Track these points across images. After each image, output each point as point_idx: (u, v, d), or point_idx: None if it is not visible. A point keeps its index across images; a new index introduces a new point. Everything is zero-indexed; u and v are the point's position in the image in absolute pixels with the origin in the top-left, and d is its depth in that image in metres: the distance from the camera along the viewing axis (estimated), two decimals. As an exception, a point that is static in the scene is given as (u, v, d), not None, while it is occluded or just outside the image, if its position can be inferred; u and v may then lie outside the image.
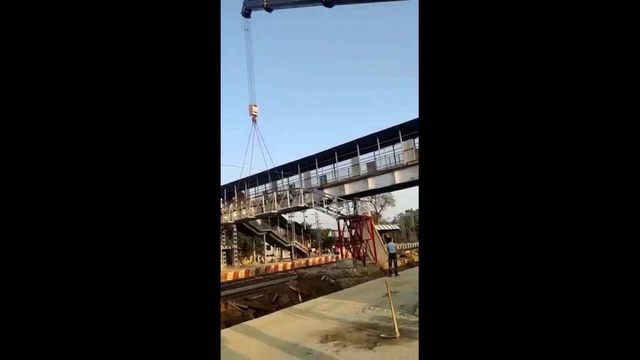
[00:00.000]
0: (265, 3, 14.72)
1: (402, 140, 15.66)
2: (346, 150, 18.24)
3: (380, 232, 21.32)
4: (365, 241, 15.55)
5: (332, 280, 12.10)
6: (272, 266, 22.07)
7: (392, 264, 10.22)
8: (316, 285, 11.70)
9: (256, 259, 31.16)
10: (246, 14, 16.65)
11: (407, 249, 27.27)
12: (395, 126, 15.71)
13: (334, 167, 19.30)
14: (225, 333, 4.55)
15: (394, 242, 17.16)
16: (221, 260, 25.43)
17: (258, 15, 16.49)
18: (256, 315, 8.58)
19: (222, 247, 25.66)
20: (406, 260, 16.80)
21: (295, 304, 8.18)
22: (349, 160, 18.69)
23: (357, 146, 17.55)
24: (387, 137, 16.50)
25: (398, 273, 9.94)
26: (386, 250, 11.07)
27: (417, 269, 9.66)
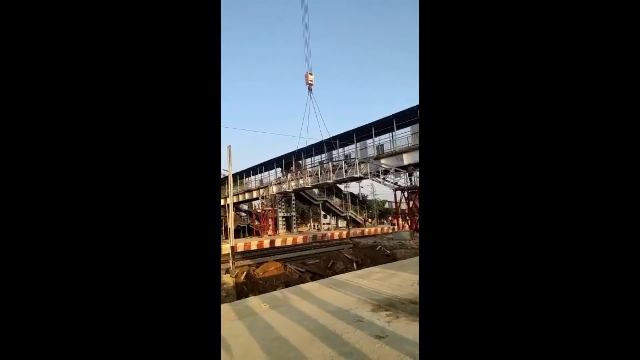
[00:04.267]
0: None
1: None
2: (405, 118, 17.10)
3: (441, 204, 20.12)
4: (423, 213, 14.88)
5: (388, 251, 11.99)
6: (329, 234, 22.77)
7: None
8: (371, 254, 11.74)
9: (313, 226, 32.48)
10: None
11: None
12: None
13: (392, 136, 18.39)
14: (280, 294, 4.83)
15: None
16: (281, 226, 27.10)
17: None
18: (312, 279, 9.01)
19: (281, 214, 27.22)
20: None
21: (350, 271, 8.32)
22: (408, 129, 17.58)
23: (419, 112, 16.33)
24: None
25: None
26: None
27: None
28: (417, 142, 16.46)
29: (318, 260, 11.19)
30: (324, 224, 32.16)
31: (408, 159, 16.63)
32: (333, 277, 6.24)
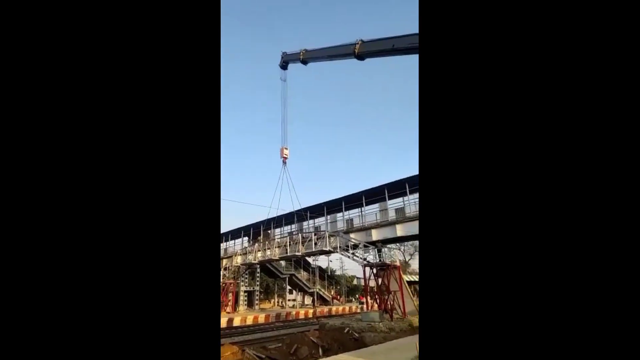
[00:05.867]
0: (301, 57, 16.01)
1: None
2: (374, 195, 17.99)
3: (409, 283, 19.94)
4: (392, 292, 14.52)
5: (356, 334, 11.21)
6: (294, 312, 21.12)
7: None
8: (339, 338, 10.87)
9: (277, 302, 30.09)
10: (284, 66, 18.11)
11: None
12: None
13: (361, 211, 18.96)
14: (238, 386, 4.22)
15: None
16: (242, 302, 24.79)
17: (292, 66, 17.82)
18: (273, 368, 7.97)
19: (244, 288, 25.18)
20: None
21: (315, 357, 7.54)
22: (376, 205, 18.33)
23: (386, 191, 17.30)
24: (417, 183, 16.12)
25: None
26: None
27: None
28: (384, 218, 17.04)
29: (280, 344, 10.11)
30: (289, 300, 29.95)
31: (376, 234, 16.92)
32: (297, 365, 5.62)
